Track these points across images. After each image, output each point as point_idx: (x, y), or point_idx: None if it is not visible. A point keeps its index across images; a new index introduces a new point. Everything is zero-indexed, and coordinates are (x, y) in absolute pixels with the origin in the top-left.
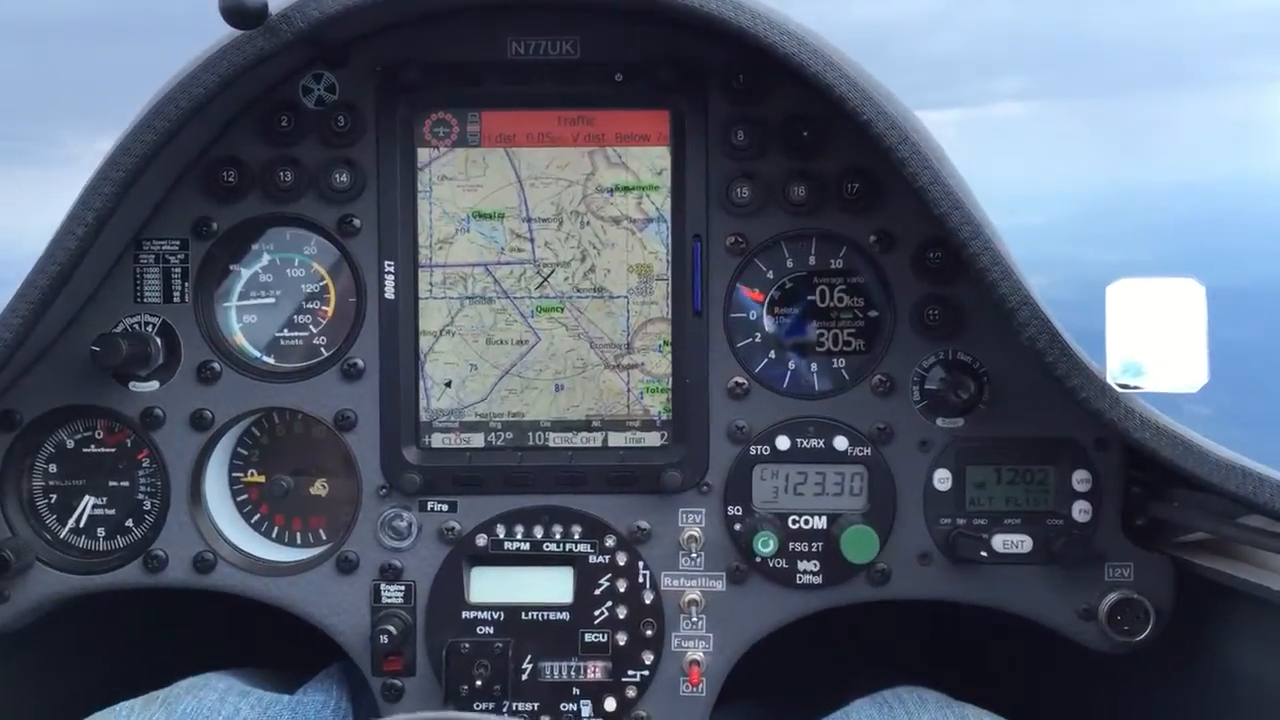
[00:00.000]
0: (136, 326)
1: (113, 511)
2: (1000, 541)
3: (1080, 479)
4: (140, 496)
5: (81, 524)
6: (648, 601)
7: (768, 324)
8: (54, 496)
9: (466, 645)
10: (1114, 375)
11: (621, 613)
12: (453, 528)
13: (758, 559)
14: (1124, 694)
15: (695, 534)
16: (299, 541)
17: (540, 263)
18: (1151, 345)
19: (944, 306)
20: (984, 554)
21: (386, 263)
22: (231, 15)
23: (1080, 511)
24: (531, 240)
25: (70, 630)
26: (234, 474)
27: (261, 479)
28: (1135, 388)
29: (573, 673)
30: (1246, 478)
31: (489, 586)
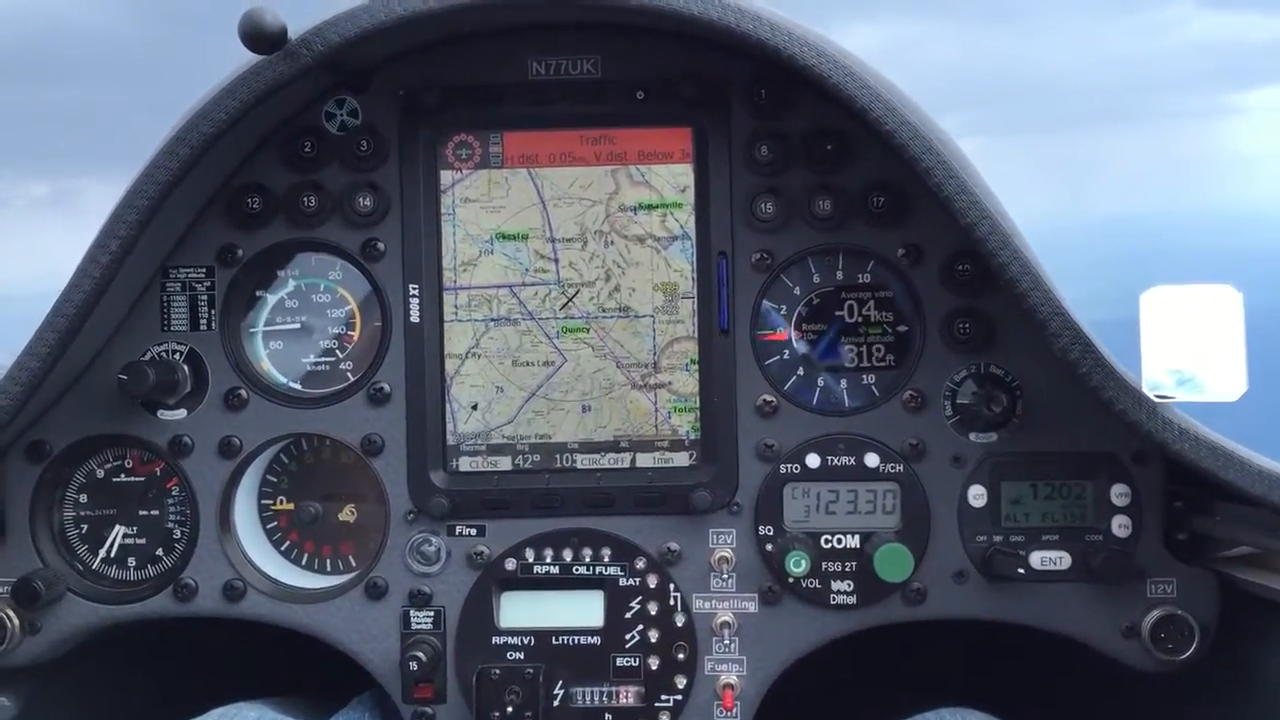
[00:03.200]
0: (164, 355)
1: (143, 541)
2: (1038, 558)
3: (1119, 493)
4: (170, 525)
5: (112, 554)
6: (679, 624)
7: (796, 341)
8: (85, 527)
9: (497, 671)
10: (1150, 385)
11: (653, 636)
12: (481, 552)
13: (790, 579)
14: (1169, 713)
15: (726, 555)
16: (328, 569)
17: (565, 283)
18: (1189, 354)
19: (974, 319)
20: (1021, 571)
21: (411, 286)
22: (250, 40)
23: (1120, 527)
24: (556, 261)
25: (102, 661)
26: (263, 501)
27: (290, 506)
28: (1172, 398)
29: (605, 698)
30: None
31: (519, 611)
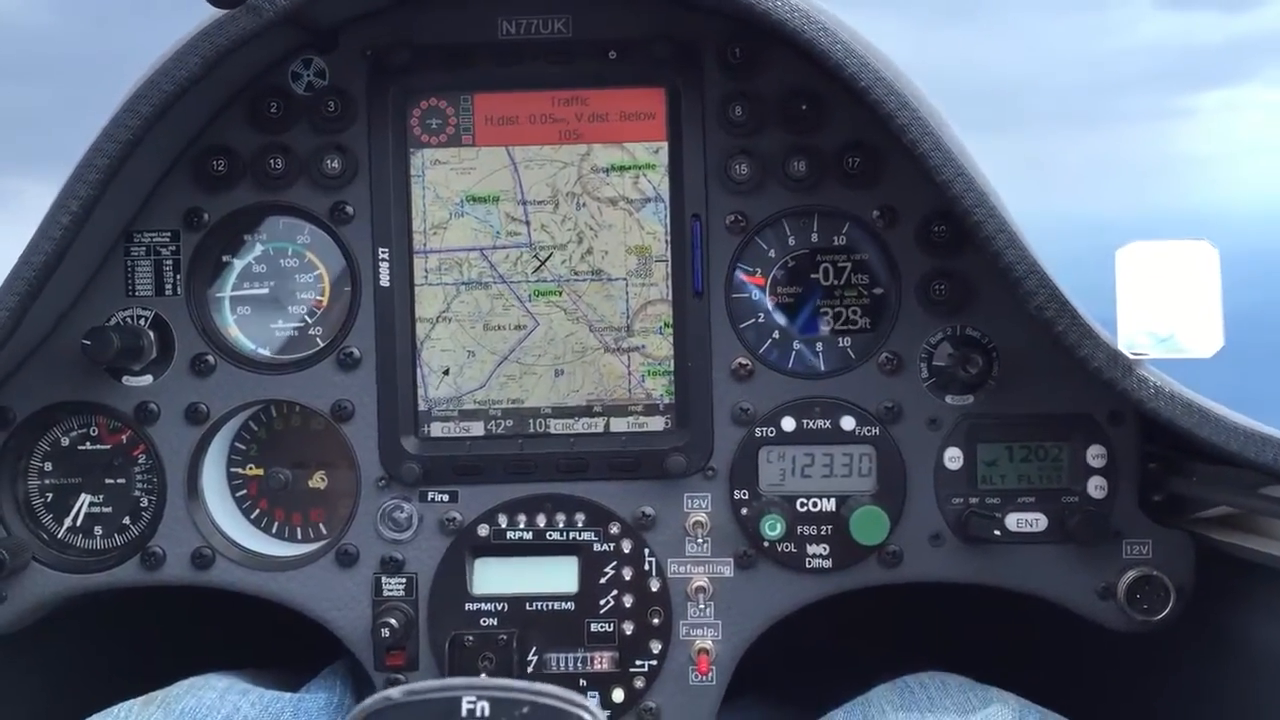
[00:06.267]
0: (129, 320)
1: (110, 509)
2: (1014, 520)
3: (1095, 454)
4: (137, 493)
5: (78, 522)
6: (654, 589)
7: (770, 303)
8: (50, 495)
9: (470, 638)
10: (1126, 343)
11: (628, 601)
12: (454, 518)
13: (766, 543)
14: (1147, 674)
15: (701, 519)
16: (299, 536)
17: (537, 246)
18: (1164, 310)
19: (950, 280)
20: (997, 533)
21: (380, 249)
22: None
23: (1096, 488)
24: (527, 223)
25: (70, 631)
26: (232, 469)
27: (260, 471)
28: (1147, 355)
29: (579, 664)
30: (1267, 444)
31: (492, 577)
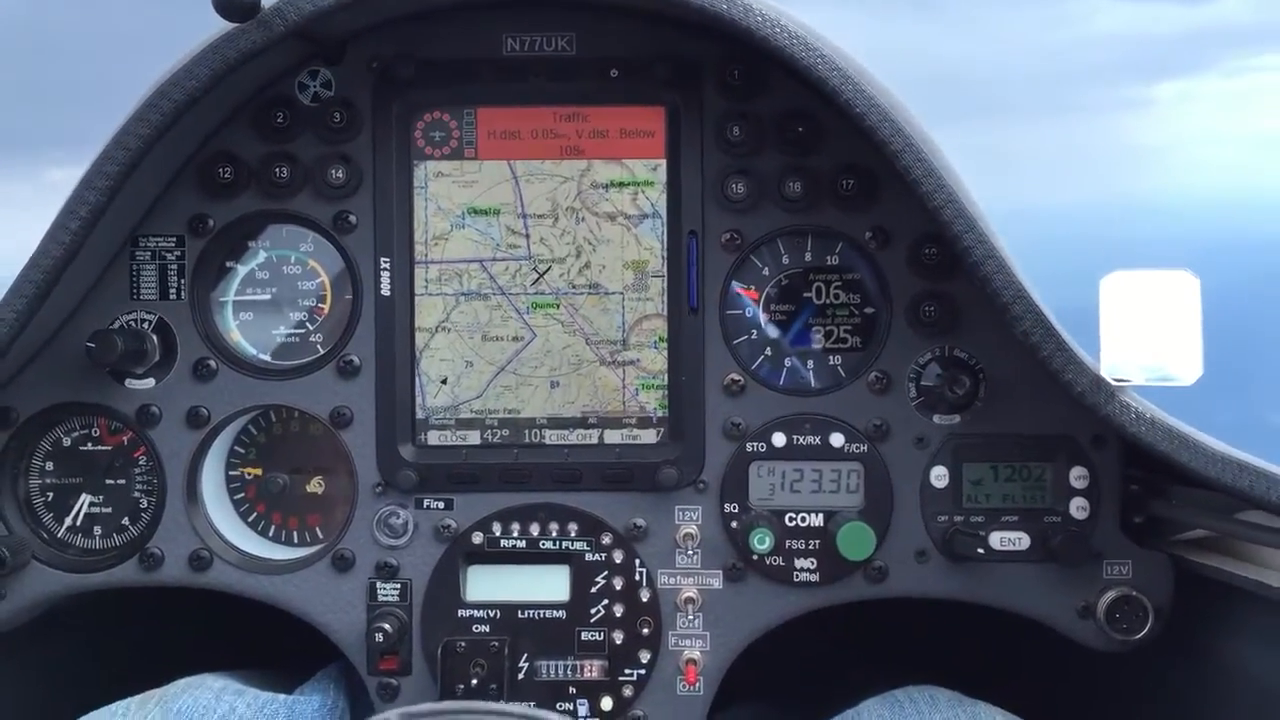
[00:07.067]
0: (133, 324)
1: (109, 510)
2: (998, 539)
3: (1077, 476)
4: (137, 494)
5: (78, 522)
6: (644, 599)
7: (764, 321)
8: (51, 495)
9: (463, 644)
10: (1109, 369)
11: (618, 611)
12: (449, 525)
13: (755, 556)
14: (1126, 692)
15: (692, 531)
16: (295, 540)
17: (536, 259)
18: (1146, 338)
19: (940, 302)
20: (981, 551)
21: (382, 259)
22: (224, 8)
23: (1078, 509)
24: (527, 236)
25: (67, 630)
26: (230, 472)
27: (258, 471)
28: (1130, 381)
29: (569, 671)
30: (1244, 471)
31: (485, 585)
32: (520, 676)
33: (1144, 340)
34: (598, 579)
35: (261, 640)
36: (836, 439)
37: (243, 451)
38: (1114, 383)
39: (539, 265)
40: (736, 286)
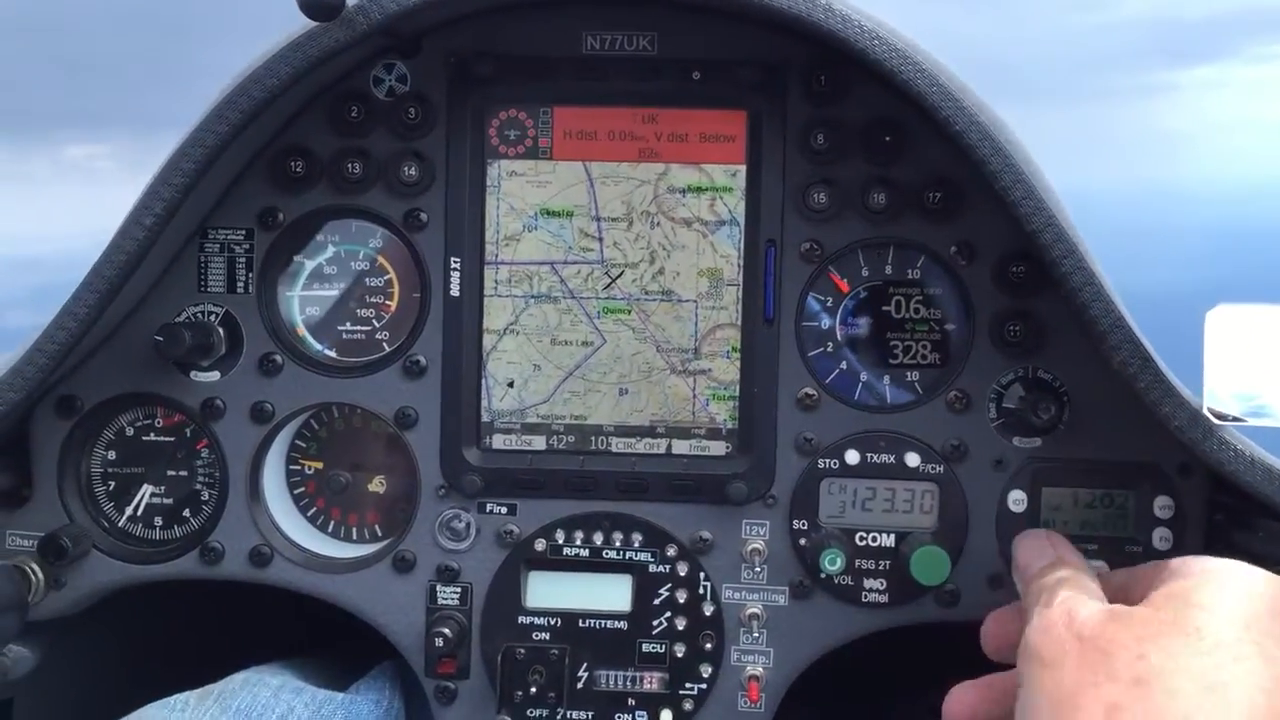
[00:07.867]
0: (200, 316)
1: (170, 501)
2: None
3: (1162, 505)
4: (198, 487)
5: (139, 512)
6: (708, 613)
7: (840, 334)
8: (112, 484)
9: (522, 651)
10: (1210, 405)
11: (680, 624)
12: (511, 531)
13: (823, 575)
14: None
15: (758, 547)
16: (354, 537)
17: (608, 263)
18: (1251, 375)
19: (1025, 322)
20: None
21: (452, 259)
22: (310, 8)
23: (1160, 539)
24: (600, 240)
25: (123, 616)
26: (291, 466)
27: (319, 464)
28: (1232, 419)
29: (629, 683)
30: None
31: (546, 592)
32: (579, 686)
33: (1249, 377)
34: (661, 591)
35: (316, 628)
36: (912, 458)
37: (303, 445)
38: (1214, 420)
39: (611, 270)
40: (831, 272)
